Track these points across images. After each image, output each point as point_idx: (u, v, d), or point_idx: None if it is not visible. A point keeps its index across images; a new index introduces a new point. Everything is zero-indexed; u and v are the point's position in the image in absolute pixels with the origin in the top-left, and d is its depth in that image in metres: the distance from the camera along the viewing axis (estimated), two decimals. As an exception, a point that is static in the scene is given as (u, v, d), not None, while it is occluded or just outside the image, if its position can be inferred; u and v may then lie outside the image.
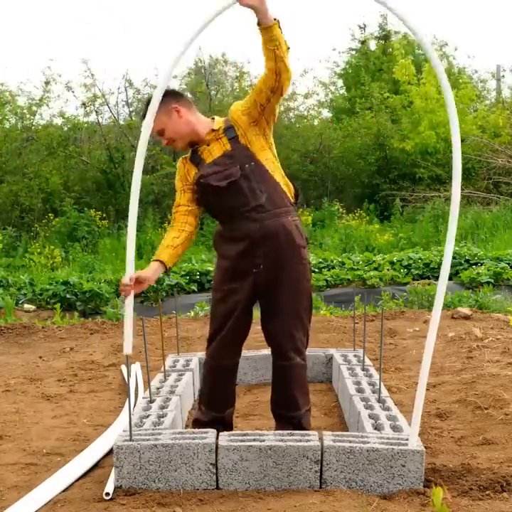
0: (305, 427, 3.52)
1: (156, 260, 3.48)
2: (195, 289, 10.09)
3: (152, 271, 3.42)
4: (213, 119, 3.53)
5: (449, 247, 3.07)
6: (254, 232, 3.36)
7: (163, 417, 3.61)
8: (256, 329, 5.81)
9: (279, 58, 3.17)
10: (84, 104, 17.83)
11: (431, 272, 10.27)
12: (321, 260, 11.06)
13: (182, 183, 3.54)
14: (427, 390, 4.58)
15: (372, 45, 23.17)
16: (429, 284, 8.71)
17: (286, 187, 3.48)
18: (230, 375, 3.61)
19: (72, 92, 17.73)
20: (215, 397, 3.61)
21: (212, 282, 3.83)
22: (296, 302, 3.43)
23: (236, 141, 3.39)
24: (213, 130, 3.45)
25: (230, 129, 3.41)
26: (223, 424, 3.60)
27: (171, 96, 3.40)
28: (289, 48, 3.21)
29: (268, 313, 3.48)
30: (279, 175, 3.46)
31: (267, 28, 3.14)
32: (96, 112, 18.14)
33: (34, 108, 17.85)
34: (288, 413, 3.53)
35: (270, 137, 3.47)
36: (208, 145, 3.45)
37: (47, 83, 17.56)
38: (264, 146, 3.42)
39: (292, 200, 3.49)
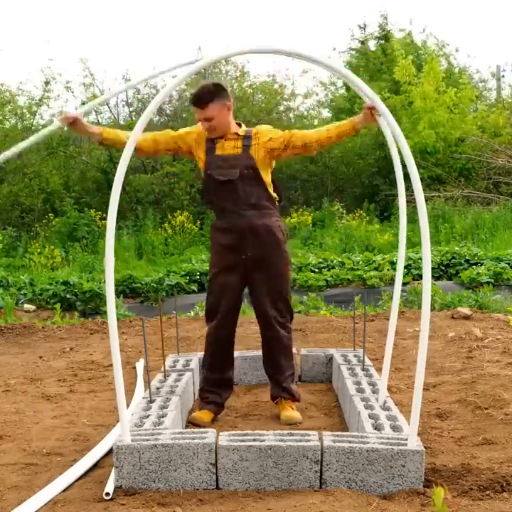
0: (290, 387, 4.20)
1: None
2: (195, 289, 10.09)
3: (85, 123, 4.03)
4: (240, 125, 4.07)
5: (427, 246, 3.09)
6: (242, 226, 3.97)
7: (163, 417, 3.61)
8: (255, 329, 5.82)
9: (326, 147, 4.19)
10: (84, 103, 17.85)
11: (431, 271, 10.27)
12: (321, 260, 11.06)
13: (182, 135, 4.07)
14: (426, 390, 4.60)
15: (372, 45, 23.16)
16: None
17: (274, 199, 4.12)
18: (227, 342, 4.21)
19: (72, 92, 17.77)
20: (216, 361, 4.22)
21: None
22: (277, 284, 4.07)
23: (247, 149, 3.96)
24: (237, 134, 4.00)
25: (248, 138, 3.98)
26: (224, 384, 4.25)
27: (227, 93, 3.95)
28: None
29: (256, 293, 4.09)
30: (269, 187, 4.07)
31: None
32: (95, 111, 18.16)
33: (34, 108, 17.86)
34: (274, 375, 4.23)
35: (273, 162, 4.09)
36: (225, 140, 4.00)
37: (47, 83, 17.58)
38: (267, 164, 4.02)
39: (276, 205, 4.13)
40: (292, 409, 4.19)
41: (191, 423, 4.12)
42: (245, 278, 4.07)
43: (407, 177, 3.25)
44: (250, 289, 4.12)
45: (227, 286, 4.06)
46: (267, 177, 4.03)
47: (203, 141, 4.03)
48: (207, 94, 3.87)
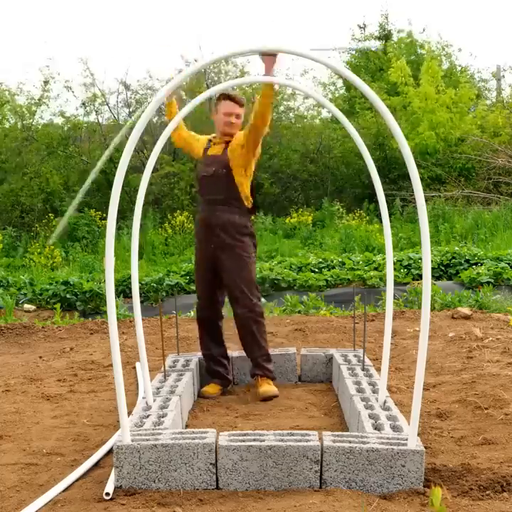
0: (263, 365, 4.60)
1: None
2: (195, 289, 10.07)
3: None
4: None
5: (426, 247, 3.09)
6: (209, 219, 4.60)
7: (163, 417, 3.61)
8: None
9: (270, 106, 4.40)
10: (84, 103, 17.86)
11: (431, 271, 10.26)
12: (321, 260, 11.05)
13: (194, 136, 4.87)
14: (426, 390, 4.60)
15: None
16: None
17: (246, 199, 4.64)
18: (210, 323, 4.76)
19: (72, 91, 17.77)
20: (203, 339, 4.80)
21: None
22: (239, 270, 4.57)
23: (225, 152, 4.61)
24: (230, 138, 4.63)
25: (228, 142, 4.64)
26: (214, 359, 4.78)
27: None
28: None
29: (224, 278, 4.63)
30: (244, 189, 4.60)
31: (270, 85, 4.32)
32: (96, 111, 18.18)
33: (34, 108, 17.86)
34: (249, 355, 4.67)
35: (250, 169, 4.63)
36: (217, 143, 4.69)
37: (46, 82, 17.58)
38: (241, 169, 4.58)
39: (246, 206, 4.63)
40: (269, 384, 4.54)
41: (201, 397, 4.65)
42: (215, 267, 4.63)
43: (407, 177, 3.25)
44: (220, 276, 4.64)
45: (202, 276, 4.74)
46: (240, 178, 4.57)
47: (203, 142, 4.80)
48: (243, 100, 4.64)
